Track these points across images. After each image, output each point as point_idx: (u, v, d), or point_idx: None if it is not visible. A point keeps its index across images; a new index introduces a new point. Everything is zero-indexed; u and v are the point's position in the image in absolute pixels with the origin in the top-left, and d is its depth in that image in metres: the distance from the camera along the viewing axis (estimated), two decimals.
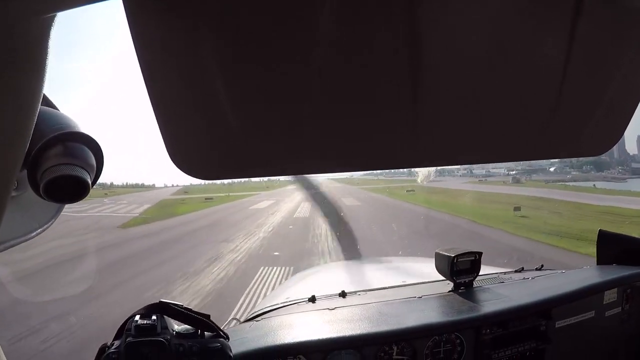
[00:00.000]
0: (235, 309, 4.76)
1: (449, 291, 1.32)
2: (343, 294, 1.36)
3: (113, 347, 0.80)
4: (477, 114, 0.44)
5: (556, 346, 1.17)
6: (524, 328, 1.15)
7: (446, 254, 1.31)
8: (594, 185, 30.03)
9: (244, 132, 0.41)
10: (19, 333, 4.10)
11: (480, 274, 1.36)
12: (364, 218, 14.16)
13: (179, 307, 0.85)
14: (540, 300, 1.17)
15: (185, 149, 0.43)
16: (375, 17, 0.36)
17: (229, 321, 1.36)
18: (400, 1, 0.36)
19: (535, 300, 1.17)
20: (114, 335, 0.85)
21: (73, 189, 0.42)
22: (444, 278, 1.37)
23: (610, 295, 1.26)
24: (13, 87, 0.33)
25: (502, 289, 1.31)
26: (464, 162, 0.51)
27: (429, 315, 1.12)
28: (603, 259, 1.51)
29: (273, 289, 5.53)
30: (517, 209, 13.98)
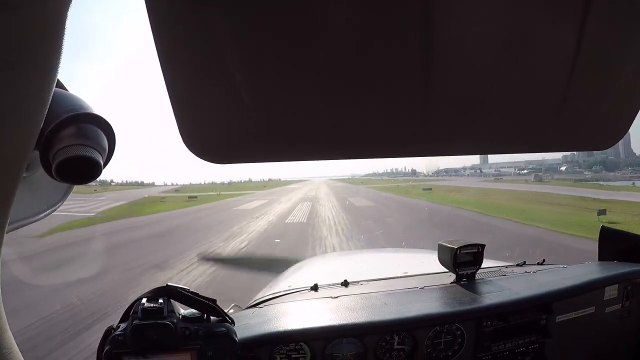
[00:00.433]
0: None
1: (451, 283, 1.32)
2: (345, 283, 1.37)
3: (119, 330, 0.80)
4: (487, 105, 0.44)
5: (556, 340, 1.17)
6: (525, 321, 1.15)
7: (449, 245, 1.31)
8: (634, 183, 29.41)
9: (257, 116, 0.41)
10: None
11: (482, 266, 1.36)
12: (386, 224, 10.25)
13: (186, 291, 0.84)
14: (541, 293, 1.16)
15: (199, 132, 0.43)
16: (389, 2, 0.36)
17: (231, 307, 1.31)
18: None
19: (537, 293, 1.16)
20: (120, 317, 0.83)
21: (85, 169, 0.41)
22: (446, 270, 1.37)
23: (611, 292, 1.25)
24: (30, 65, 0.32)
25: (504, 281, 1.31)
26: (472, 152, 0.51)
27: (430, 305, 1.12)
28: (605, 255, 1.50)
29: None
30: (601, 212, 11.10)
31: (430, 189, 24.48)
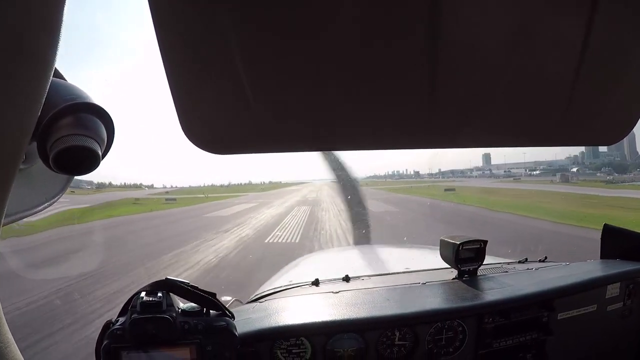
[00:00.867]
0: None
1: (453, 279, 1.32)
2: (347, 279, 1.36)
3: (118, 324, 0.79)
4: (494, 98, 0.44)
5: (557, 338, 1.17)
6: (526, 318, 1.14)
7: (451, 241, 1.30)
8: None
9: (258, 105, 0.41)
10: None
11: (484, 263, 1.35)
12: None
13: (185, 284, 0.83)
14: (543, 290, 1.16)
15: (199, 122, 0.43)
16: None
17: (231, 302, 1.31)
18: None
19: (538, 290, 1.16)
20: (119, 311, 0.83)
21: (83, 160, 0.40)
22: (448, 266, 1.36)
23: (613, 290, 1.25)
24: (28, 53, 0.31)
25: (506, 278, 1.30)
26: (479, 145, 0.51)
27: (432, 301, 1.12)
28: (607, 253, 1.50)
29: None
30: None
31: (453, 190, 24.04)
